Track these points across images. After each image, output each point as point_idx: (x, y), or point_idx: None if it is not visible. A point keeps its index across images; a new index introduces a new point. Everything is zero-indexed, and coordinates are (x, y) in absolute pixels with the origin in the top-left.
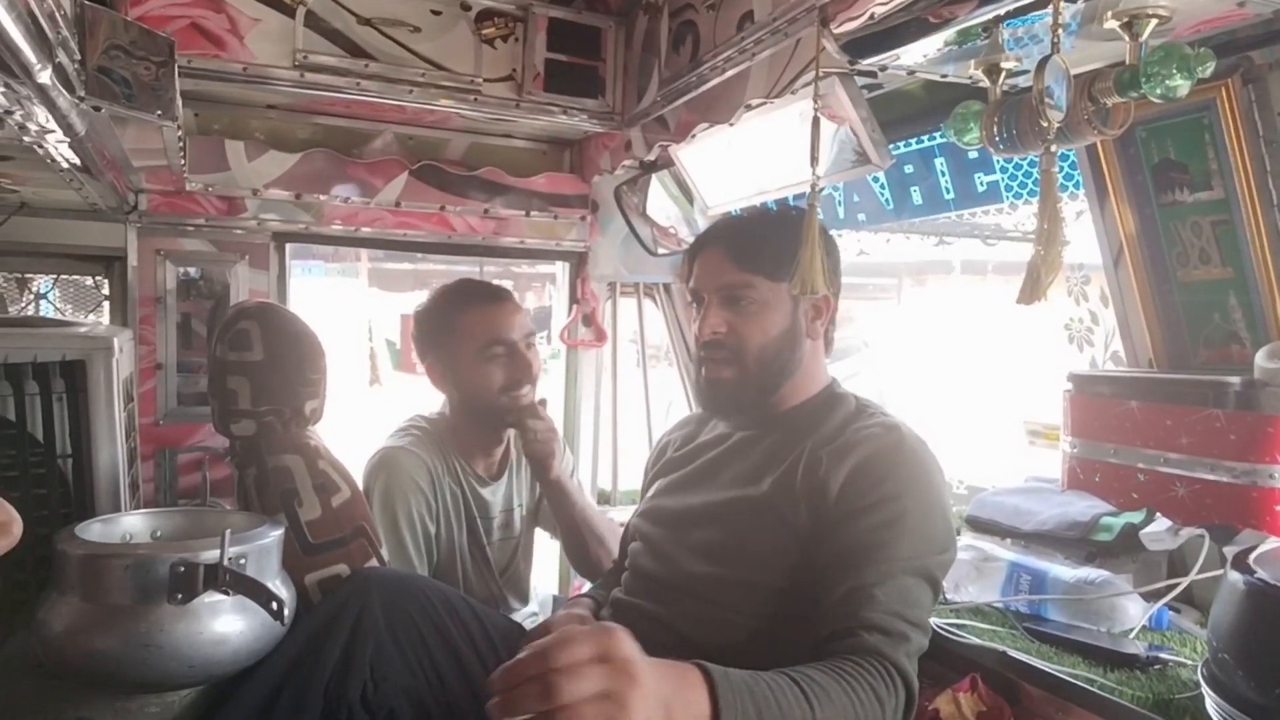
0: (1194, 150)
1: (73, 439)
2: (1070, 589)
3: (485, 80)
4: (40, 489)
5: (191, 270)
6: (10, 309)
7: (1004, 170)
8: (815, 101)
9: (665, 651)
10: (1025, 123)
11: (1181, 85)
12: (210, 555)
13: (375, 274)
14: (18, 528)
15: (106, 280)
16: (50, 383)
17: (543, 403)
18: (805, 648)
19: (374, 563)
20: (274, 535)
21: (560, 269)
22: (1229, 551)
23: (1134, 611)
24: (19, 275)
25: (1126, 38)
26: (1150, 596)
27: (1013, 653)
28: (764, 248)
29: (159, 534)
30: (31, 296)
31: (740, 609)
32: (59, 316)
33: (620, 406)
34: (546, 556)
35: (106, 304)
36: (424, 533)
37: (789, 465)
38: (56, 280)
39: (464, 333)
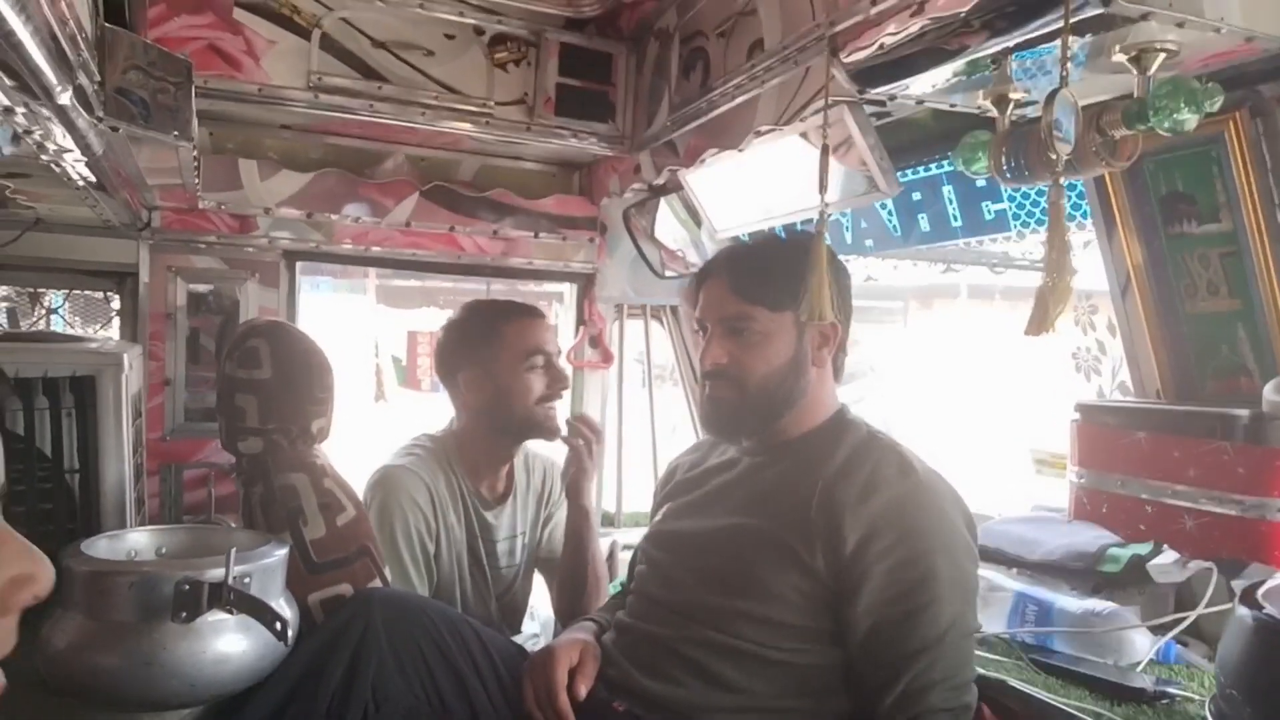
0: (1202, 182)
1: (80, 454)
2: (1077, 620)
3: (497, 103)
4: (47, 504)
5: (201, 286)
6: (22, 323)
7: (1012, 199)
8: (824, 130)
9: (675, 677)
10: (1033, 153)
11: (1189, 119)
12: (215, 574)
13: (383, 290)
14: (47, 580)
15: (118, 296)
16: (60, 398)
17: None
18: (840, 693)
19: (377, 583)
20: (278, 554)
21: (568, 290)
22: (1237, 585)
23: (1141, 644)
24: (31, 290)
25: (1135, 71)
26: (1158, 629)
27: (1018, 684)
28: (767, 278)
29: (164, 551)
30: (44, 311)
31: (762, 643)
32: (70, 331)
33: (625, 427)
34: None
35: (117, 319)
36: (423, 551)
37: (800, 499)
38: (68, 295)
39: (506, 343)
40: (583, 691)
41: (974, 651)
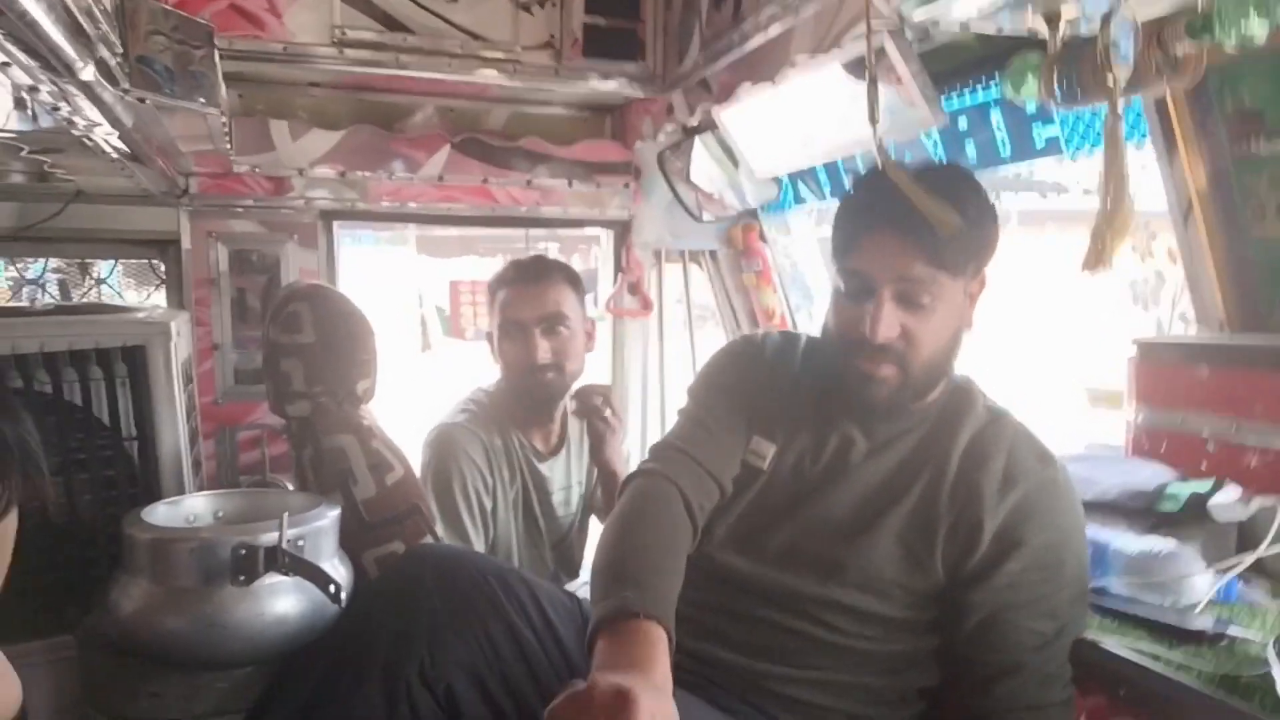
0: (1272, 97)
1: (137, 422)
2: (1134, 561)
3: (523, 48)
4: (109, 470)
5: (242, 248)
6: (73, 294)
7: (1064, 123)
8: (869, 58)
9: (745, 646)
10: (1087, 75)
11: (1259, 30)
12: (269, 538)
13: (423, 241)
14: (13, 700)
15: (162, 262)
16: (113, 368)
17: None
18: (920, 670)
19: (429, 539)
20: (330, 516)
21: (604, 237)
22: None
23: (1201, 584)
24: (80, 261)
25: None
26: (1219, 569)
27: None
28: (954, 236)
29: (221, 515)
30: (93, 281)
31: (847, 632)
32: (119, 301)
33: (668, 375)
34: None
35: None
36: (480, 508)
37: (925, 492)
38: (118, 262)
39: (497, 309)
40: None
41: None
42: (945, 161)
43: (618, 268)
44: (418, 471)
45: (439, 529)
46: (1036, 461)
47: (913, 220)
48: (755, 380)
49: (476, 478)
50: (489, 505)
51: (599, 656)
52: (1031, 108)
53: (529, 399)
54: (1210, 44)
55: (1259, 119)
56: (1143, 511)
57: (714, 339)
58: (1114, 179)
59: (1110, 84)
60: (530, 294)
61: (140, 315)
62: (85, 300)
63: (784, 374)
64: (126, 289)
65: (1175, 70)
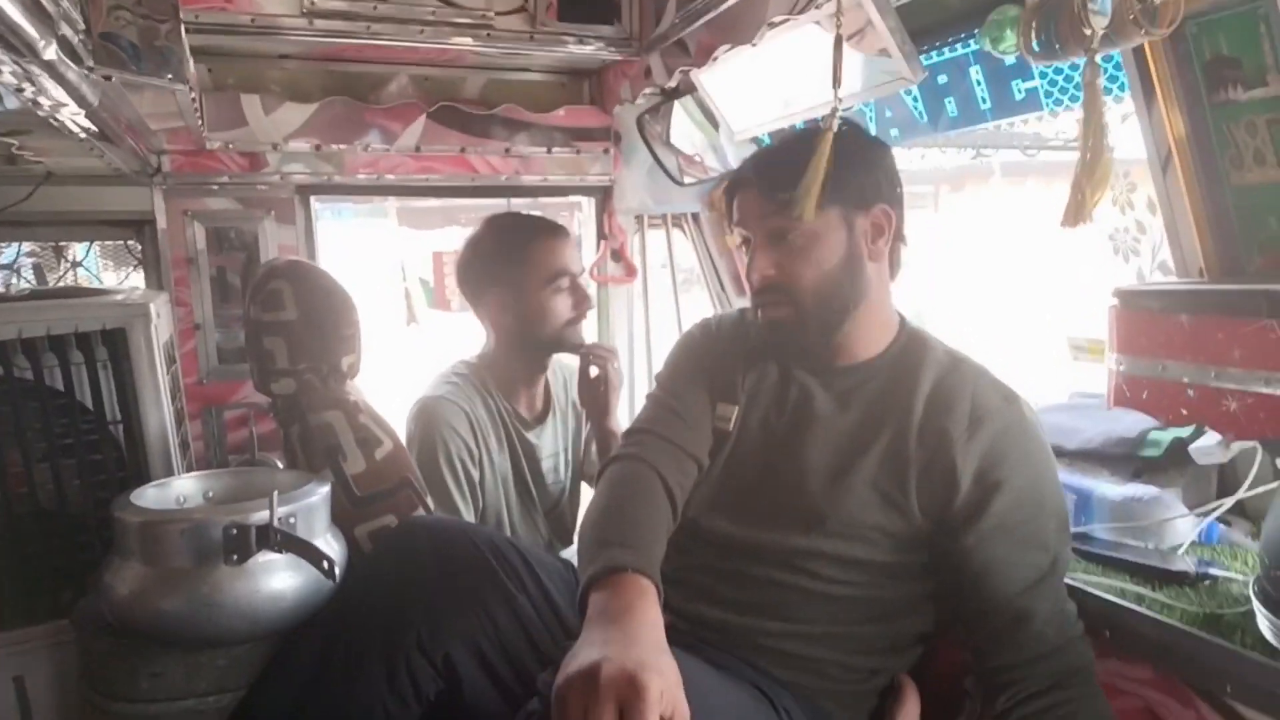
0: (1249, 44)
1: (121, 405)
2: (1117, 507)
3: (497, 14)
4: (96, 455)
5: (219, 226)
6: (49, 277)
7: (1043, 76)
8: (837, 18)
9: (735, 603)
10: (1066, 26)
11: None
12: (260, 516)
13: (404, 213)
14: None
15: (138, 244)
16: (93, 351)
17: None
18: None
19: (420, 512)
20: (320, 493)
21: (586, 204)
22: None
23: (1183, 527)
24: (54, 244)
25: None
26: (1200, 513)
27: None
28: (800, 175)
29: (211, 495)
30: (69, 265)
31: (834, 579)
32: (97, 284)
33: (654, 340)
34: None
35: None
36: (468, 479)
37: (893, 435)
38: (94, 244)
39: (531, 264)
40: None
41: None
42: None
43: (600, 234)
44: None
45: (429, 500)
46: (1002, 401)
47: (767, 171)
48: (711, 354)
49: (461, 449)
50: (476, 476)
51: (591, 609)
52: (1010, 61)
53: (545, 357)
54: None
55: (1236, 67)
56: (1125, 458)
57: (699, 303)
58: (1093, 131)
59: (1088, 35)
60: (567, 246)
61: (119, 297)
62: (61, 284)
63: (738, 343)
64: (105, 271)
65: (1153, 20)
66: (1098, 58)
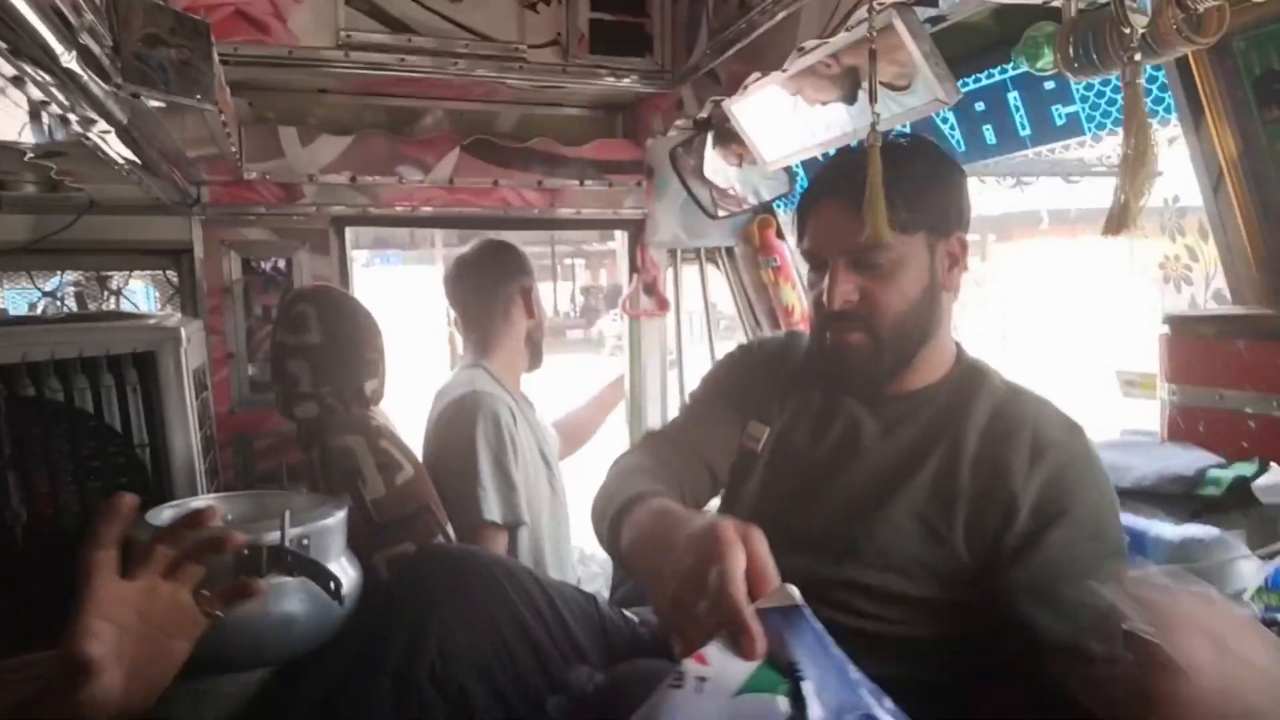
0: None
1: (149, 429)
2: (1175, 549)
3: (529, 47)
4: (121, 478)
5: (265, 263)
6: (90, 306)
7: (1084, 100)
8: (870, 33)
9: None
10: (1105, 38)
11: None
12: (272, 537)
13: (451, 260)
14: None
15: (176, 273)
16: (124, 375)
17: None
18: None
19: (439, 539)
20: (336, 516)
21: (619, 238)
22: None
23: (1248, 571)
24: (98, 274)
25: None
26: (1266, 555)
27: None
28: (895, 194)
29: (229, 518)
30: (110, 294)
31: (862, 613)
32: (137, 310)
33: (687, 378)
34: None
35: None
36: (517, 459)
37: (941, 467)
38: (139, 274)
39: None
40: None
41: None
42: (910, 133)
43: (633, 268)
44: (446, 439)
45: (488, 490)
46: (1064, 432)
47: (856, 188)
48: (749, 374)
49: (506, 434)
50: (517, 458)
51: (629, 540)
52: (1050, 86)
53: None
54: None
55: None
56: (1183, 498)
57: (736, 342)
58: (1135, 132)
59: (1127, 32)
60: None
61: (150, 322)
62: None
63: (780, 365)
64: (160, 306)
65: (1196, 28)
66: (1138, 58)
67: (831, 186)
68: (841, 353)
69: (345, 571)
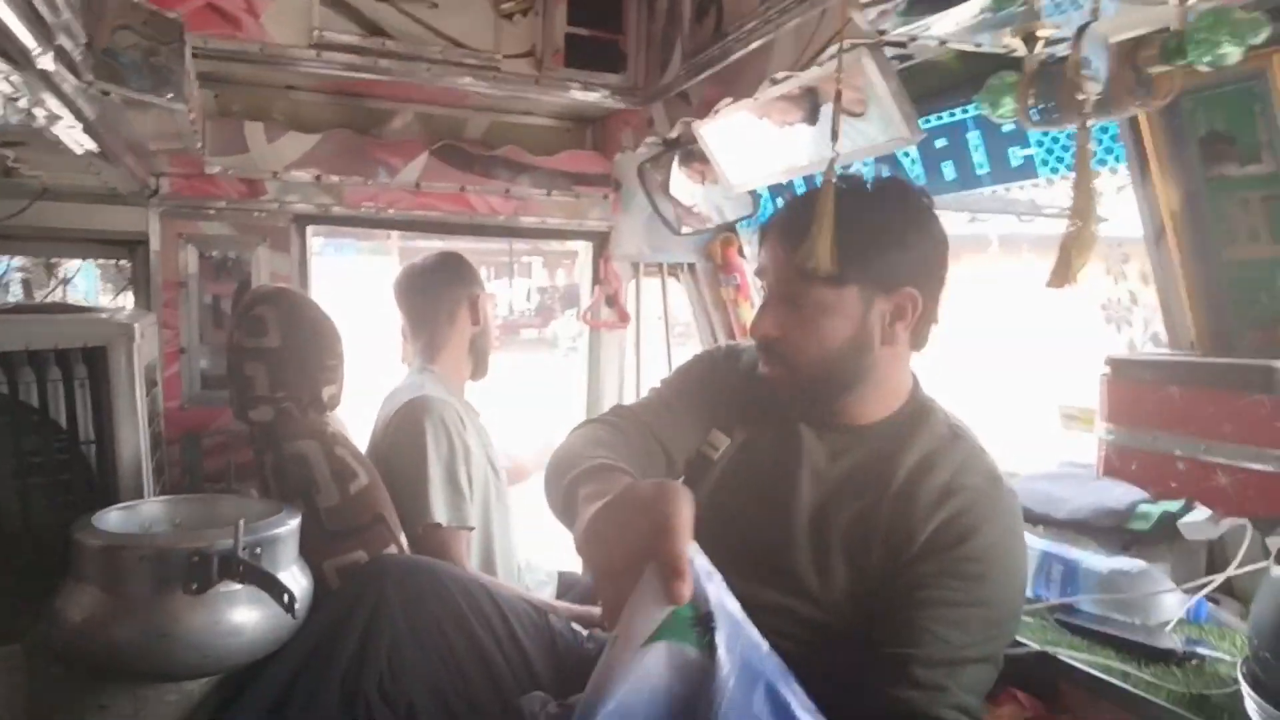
0: (1243, 121)
1: (96, 425)
2: (1104, 580)
3: (504, 57)
4: (64, 475)
5: (213, 252)
6: (37, 294)
7: (1040, 144)
8: (838, 75)
9: None
10: (1063, 95)
11: (1231, 53)
12: (225, 545)
13: (406, 252)
14: None
15: (130, 264)
16: (72, 369)
17: None
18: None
19: (392, 549)
20: (289, 524)
21: (583, 249)
22: (1272, 543)
23: (1171, 604)
24: (46, 260)
25: (1173, 1)
26: (1189, 589)
27: (1044, 647)
28: (838, 241)
29: (178, 521)
30: (59, 281)
31: (796, 638)
32: (86, 301)
33: (644, 388)
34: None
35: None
36: (466, 463)
37: (871, 501)
38: (97, 263)
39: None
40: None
41: (989, 683)
42: (889, 177)
43: (595, 279)
44: (396, 443)
45: (436, 493)
46: (982, 479)
47: (799, 230)
48: (722, 379)
49: (457, 439)
50: (467, 462)
51: (585, 498)
52: (1008, 128)
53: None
54: (1183, 65)
55: (1231, 143)
56: (1114, 530)
57: (690, 352)
58: (1082, 193)
59: (1080, 99)
60: None
61: (102, 316)
62: (50, 300)
63: (749, 376)
64: (103, 295)
65: (1149, 91)
66: (1091, 124)
67: (783, 221)
68: (767, 380)
69: (296, 580)
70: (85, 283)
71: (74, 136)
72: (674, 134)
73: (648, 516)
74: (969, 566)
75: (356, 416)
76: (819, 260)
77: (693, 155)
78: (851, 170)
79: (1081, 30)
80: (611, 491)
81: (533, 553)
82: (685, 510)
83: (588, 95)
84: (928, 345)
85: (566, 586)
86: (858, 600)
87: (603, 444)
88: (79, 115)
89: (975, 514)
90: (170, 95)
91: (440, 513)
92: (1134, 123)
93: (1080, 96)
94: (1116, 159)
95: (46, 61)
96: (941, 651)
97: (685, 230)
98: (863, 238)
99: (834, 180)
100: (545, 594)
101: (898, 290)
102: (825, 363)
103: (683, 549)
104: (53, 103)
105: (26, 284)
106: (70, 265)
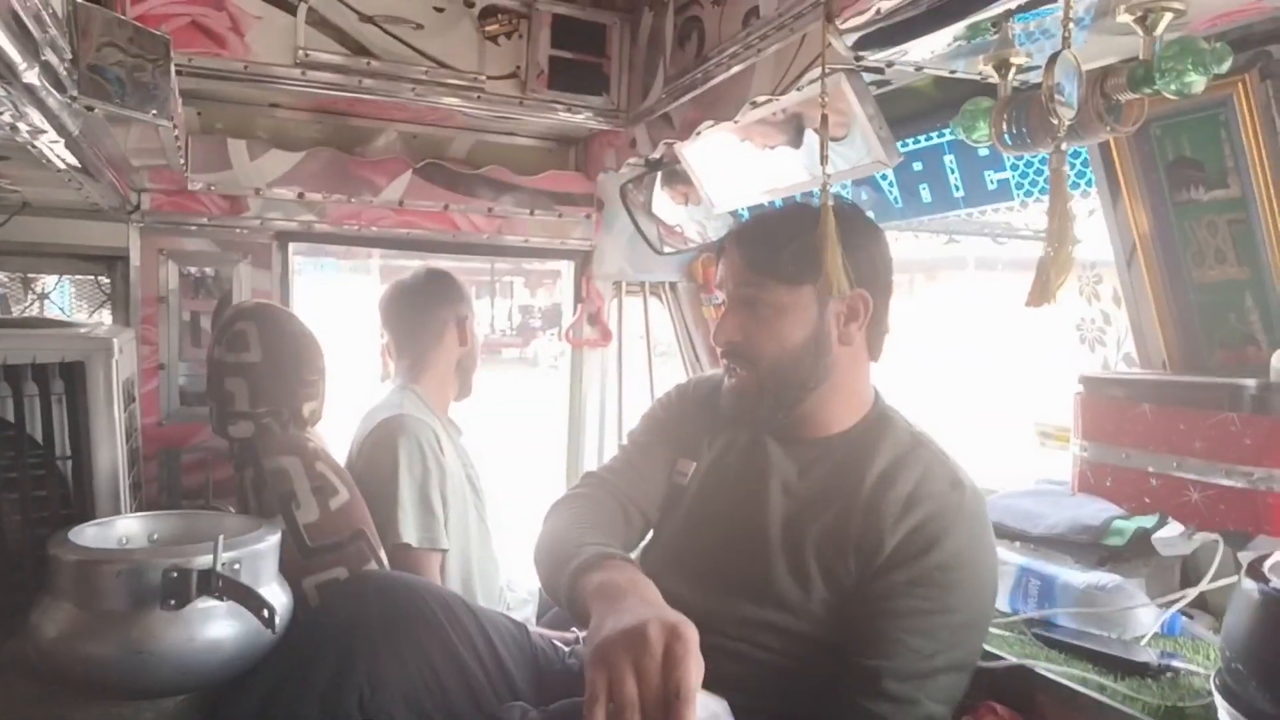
0: (1210, 147)
1: (72, 440)
2: (1081, 594)
3: (489, 78)
4: (40, 491)
5: (194, 268)
6: (14, 309)
7: (1014, 168)
8: (822, 99)
9: None
10: (1035, 120)
11: (1197, 81)
12: (203, 560)
13: (387, 270)
14: None
15: (109, 280)
16: (49, 384)
17: None
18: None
19: (373, 565)
20: (269, 540)
21: (565, 268)
22: (1244, 558)
23: (1146, 618)
24: (23, 275)
25: (1140, 32)
26: (1163, 603)
27: (1022, 660)
28: (779, 248)
29: (156, 537)
30: (35, 296)
31: (775, 650)
32: (62, 317)
33: (626, 407)
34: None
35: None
36: (440, 485)
37: (841, 511)
38: (72, 280)
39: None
40: None
41: (960, 690)
42: (843, 198)
43: (578, 298)
44: (371, 460)
45: (407, 513)
46: (945, 486)
47: (751, 239)
48: (682, 415)
49: (432, 458)
50: (443, 486)
51: (592, 589)
52: (984, 152)
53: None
54: (1151, 93)
55: (1198, 168)
56: (1090, 546)
57: (675, 373)
58: (1058, 216)
59: (1054, 123)
60: None
61: (82, 331)
62: (26, 315)
63: (710, 402)
64: (78, 311)
65: (1118, 118)
66: (1064, 147)
67: (739, 234)
68: (732, 390)
69: (275, 596)
70: (60, 298)
71: (56, 151)
72: (656, 155)
73: (656, 658)
74: (937, 575)
75: (334, 433)
76: (836, 282)
77: (675, 176)
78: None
79: (1053, 58)
80: (617, 587)
81: (515, 572)
82: (695, 671)
83: (571, 116)
84: (883, 355)
85: (547, 605)
86: (834, 609)
87: (590, 524)
88: (62, 130)
89: (940, 522)
90: (155, 112)
91: (409, 533)
92: (1105, 148)
93: (1053, 121)
94: (1088, 183)
95: (32, 76)
96: (912, 663)
97: (667, 250)
98: (816, 243)
99: (830, 202)
100: (526, 612)
101: (849, 291)
102: (786, 362)
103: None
104: (36, 117)
105: (3, 299)
106: (48, 280)
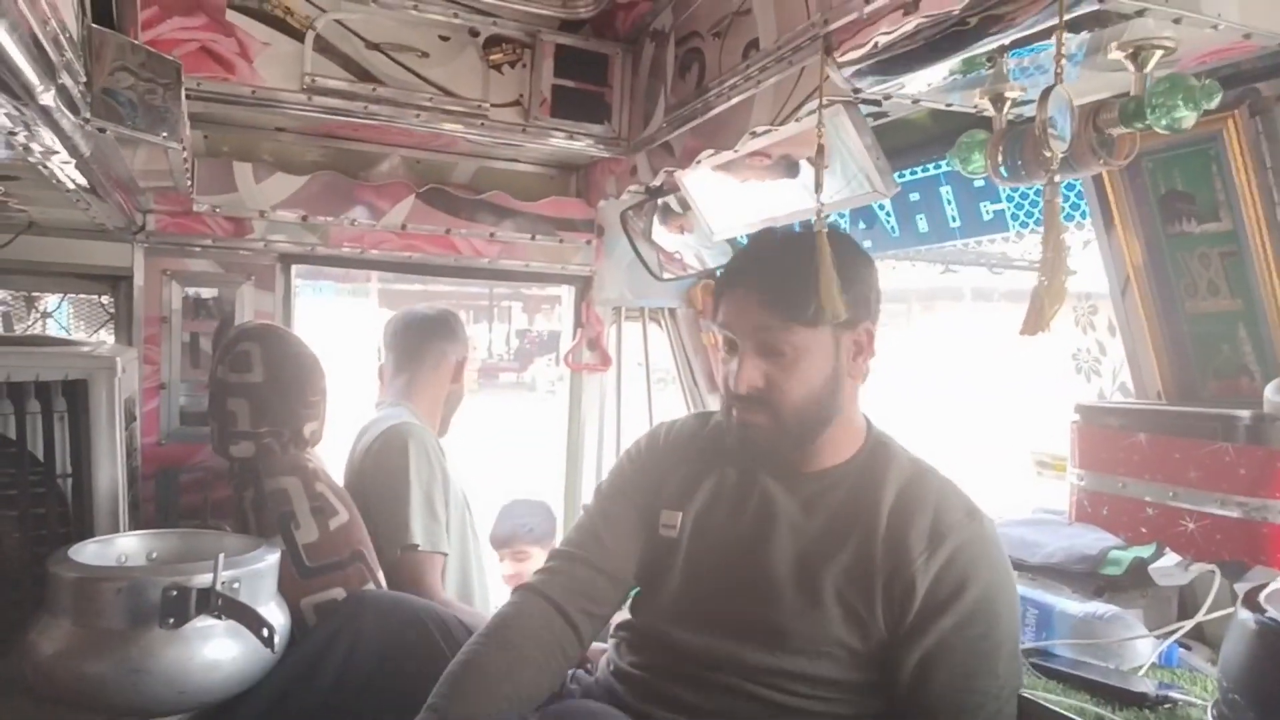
0: (1201, 181)
1: (73, 458)
2: (1078, 624)
3: (492, 105)
4: (39, 508)
5: (197, 289)
6: (17, 327)
7: (1010, 199)
8: (819, 130)
9: (693, 709)
10: (1029, 153)
11: (1187, 117)
12: (203, 579)
13: (385, 294)
14: None
15: (112, 299)
16: (52, 402)
17: None
18: None
19: (370, 587)
20: (269, 559)
21: (565, 293)
22: (1240, 588)
23: (1143, 648)
24: (26, 294)
25: (1132, 68)
26: (1161, 634)
27: (1020, 691)
28: (804, 289)
29: (155, 556)
30: (38, 315)
31: (795, 693)
32: (65, 335)
33: (624, 431)
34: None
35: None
36: (444, 496)
37: (859, 547)
38: (72, 299)
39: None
40: None
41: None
42: (837, 226)
43: (577, 323)
44: (378, 466)
45: (415, 515)
46: (964, 516)
47: (767, 278)
48: (655, 465)
49: (439, 467)
50: (447, 496)
51: None
52: (979, 183)
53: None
54: (1142, 128)
55: (1190, 201)
56: (1087, 575)
57: (675, 400)
58: (1052, 247)
59: (1048, 155)
60: None
61: (85, 349)
62: (29, 334)
63: (688, 447)
64: (76, 331)
65: (1110, 151)
66: (1058, 179)
67: (743, 273)
68: (746, 430)
69: (274, 615)
70: (59, 317)
71: (67, 172)
72: (657, 182)
73: None
74: (983, 609)
75: (328, 454)
76: (833, 307)
77: (669, 211)
78: (829, 221)
79: (1046, 93)
80: None
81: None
82: None
83: (573, 144)
84: (867, 378)
85: None
86: (862, 653)
87: (467, 673)
88: (74, 151)
89: (967, 554)
90: (165, 134)
91: (418, 535)
92: (1099, 181)
93: (1047, 154)
94: (1082, 215)
95: (48, 98)
96: (983, 699)
97: (667, 276)
98: (814, 271)
99: (824, 229)
100: None
101: (857, 325)
102: (808, 402)
103: None
104: (49, 138)
105: (6, 317)
106: (51, 299)
